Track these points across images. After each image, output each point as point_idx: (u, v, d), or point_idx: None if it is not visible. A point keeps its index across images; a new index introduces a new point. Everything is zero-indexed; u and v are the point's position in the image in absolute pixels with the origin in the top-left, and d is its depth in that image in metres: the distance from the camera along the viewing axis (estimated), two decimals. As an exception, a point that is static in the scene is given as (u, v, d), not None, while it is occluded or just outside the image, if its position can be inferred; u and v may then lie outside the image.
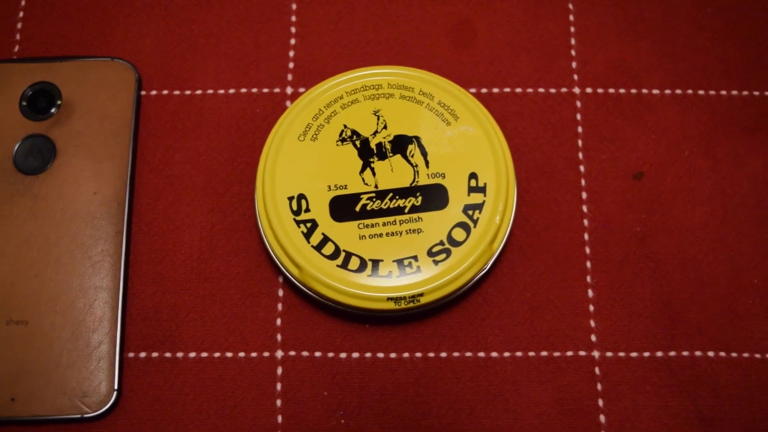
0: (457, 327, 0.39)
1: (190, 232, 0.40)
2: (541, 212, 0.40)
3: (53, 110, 0.41)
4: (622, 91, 0.42)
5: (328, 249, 0.37)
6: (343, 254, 0.37)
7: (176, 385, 0.38)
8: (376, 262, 0.36)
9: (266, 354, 0.38)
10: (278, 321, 0.39)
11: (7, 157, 0.40)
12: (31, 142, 0.40)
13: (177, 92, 0.42)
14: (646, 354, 0.38)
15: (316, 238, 0.37)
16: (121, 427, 0.37)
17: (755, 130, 0.41)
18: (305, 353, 0.38)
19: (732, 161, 0.41)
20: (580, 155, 0.41)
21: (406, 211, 0.37)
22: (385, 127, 0.39)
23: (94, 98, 0.41)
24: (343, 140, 0.38)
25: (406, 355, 0.38)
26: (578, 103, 0.42)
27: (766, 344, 0.38)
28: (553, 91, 0.42)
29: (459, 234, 0.37)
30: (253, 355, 0.38)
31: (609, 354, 0.38)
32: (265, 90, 0.42)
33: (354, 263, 0.36)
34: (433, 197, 0.37)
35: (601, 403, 0.38)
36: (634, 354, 0.38)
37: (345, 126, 0.39)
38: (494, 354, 0.38)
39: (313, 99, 0.39)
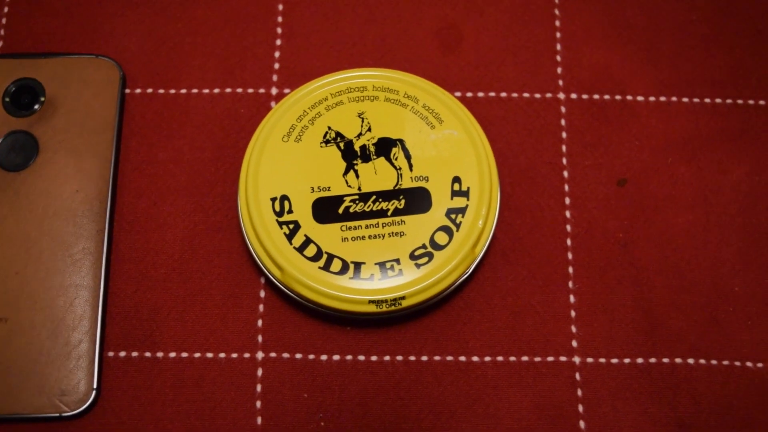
0: (438, 331, 0.39)
1: (173, 231, 0.40)
2: (524, 217, 0.40)
3: (36, 107, 0.41)
4: (606, 97, 0.42)
5: (311, 251, 0.37)
6: (325, 256, 0.37)
7: (156, 385, 0.38)
8: (358, 265, 0.36)
9: (247, 355, 0.38)
10: (259, 322, 0.39)
11: (-12, 154, 0.40)
12: (13, 138, 0.40)
13: (161, 91, 0.42)
14: (627, 360, 0.38)
15: (298, 239, 0.37)
16: (99, 427, 0.37)
17: (738, 138, 0.42)
18: (286, 355, 0.38)
19: (715, 169, 0.41)
20: (564, 161, 0.41)
21: (389, 213, 0.37)
22: (369, 130, 0.39)
23: (78, 95, 0.41)
24: (327, 142, 0.38)
25: (387, 358, 0.38)
26: (563, 109, 0.42)
27: (747, 352, 0.39)
28: (538, 96, 0.42)
29: (441, 238, 0.37)
30: (234, 356, 0.38)
31: (590, 360, 0.38)
32: (250, 90, 0.42)
33: (336, 265, 0.36)
34: (417, 200, 0.37)
35: (581, 408, 0.38)
36: (614, 360, 0.38)
37: (329, 128, 0.39)
38: (475, 358, 0.38)
39: (298, 100, 0.39)
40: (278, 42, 0.43)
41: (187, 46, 0.43)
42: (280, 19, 0.43)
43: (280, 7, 0.43)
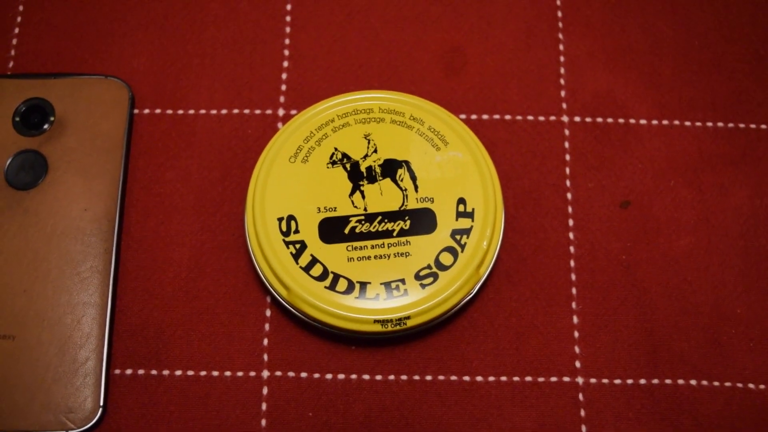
0: (443, 350, 0.39)
1: (180, 250, 0.40)
2: (528, 238, 0.41)
3: (46, 126, 0.41)
4: (609, 120, 0.43)
5: (317, 270, 0.37)
6: (331, 276, 0.37)
7: (162, 403, 0.38)
8: (363, 285, 0.37)
9: (252, 373, 0.39)
10: (265, 341, 0.39)
11: (-2, 172, 0.40)
12: (23, 157, 0.40)
13: (170, 111, 0.43)
14: (630, 381, 0.39)
15: (304, 259, 0.37)
16: (105, 444, 0.38)
17: (740, 161, 0.42)
18: (291, 374, 0.39)
19: (717, 192, 0.42)
20: (568, 183, 0.42)
21: (395, 234, 0.38)
22: (375, 151, 0.39)
23: (87, 115, 0.41)
24: (333, 163, 0.39)
25: (391, 377, 0.39)
26: (566, 132, 0.43)
27: (748, 374, 0.39)
28: (541, 119, 0.43)
29: (446, 258, 0.37)
30: (240, 374, 0.39)
31: (593, 380, 0.39)
32: (258, 111, 0.43)
33: (342, 285, 0.37)
34: (422, 221, 0.38)
35: (584, 429, 0.38)
36: (617, 381, 0.39)
37: (336, 149, 0.39)
38: (479, 378, 0.39)
39: (305, 121, 0.40)
40: (285, 64, 0.43)
41: (195, 68, 0.43)
42: (287, 41, 0.44)
43: (288, 29, 0.44)
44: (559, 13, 0.45)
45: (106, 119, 0.41)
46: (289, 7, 0.44)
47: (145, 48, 0.44)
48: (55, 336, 0.38)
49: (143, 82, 0.43)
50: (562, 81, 0.43)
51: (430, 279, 0.37)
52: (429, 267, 0.37)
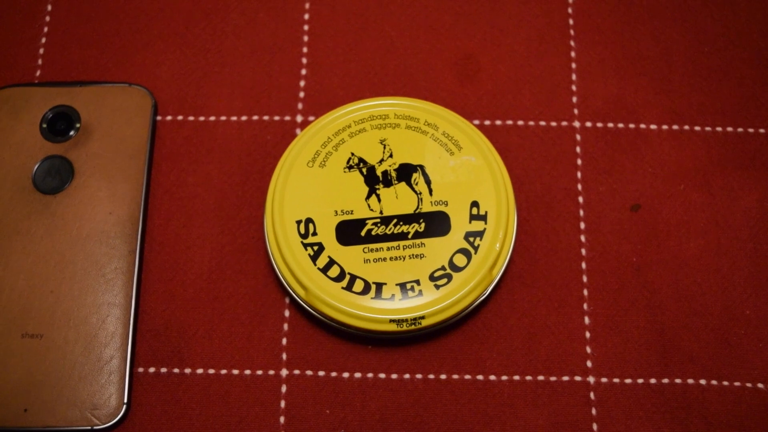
0: (456, 350, 0.40)
1: (201, 252, 0.41)
2: (540, 241, 0.42)
3: (72, 133, 0.42)
4: (620, 125, 0.44)
5: (334, 271, 0.38)
6: (348, 277, 0.38)
7: (183, 400, 0.39)
8: (379, 285, 0.38)
9: (271, 372, 0.40)
10: (284, 340, 0.40)
11: (26, 177, 0.41)
12: (50, 162, 0.42)
13: (191, 118, 0.44)
14: (640, 381, 0.39)
15: (322, 260, 0.38)
16: (128, 441, 0.39)
17: (749, 166, 0.43)
18: (309, 372, 0.40)
19: (726, 196, 0.42)
20: (579, 186, 0.42)
21: (410, 236, 0.39)
22: (390, 156, 0.40)
23: (112, 122, 0.42)
24: (350, 167, 0.40)
25: (406, 376, 0.40)
26: (578, 137, 0.43)
27: (757, 374, 0.39)
28: (553, 124, 0.43)
29: (460, 260, 0.38)
30: (259, 372, 0.40)
31: (604, 380, 0.39)
32: (276, 118, 0.44)
33: (358, 286, 0.38)
34: (436, 224, 0.39)
35: (595, 427, 0.39)
36: (628, 380, 0.39)
37: (352, 154, 0.40)
38: (492, 377, 0.39)
39: (323, 127, 0.41)
40: (303, 71, 0.45)
41: (215, 76, 0.44)
42: (305, 49, 0.45)
43: (305, 38, 0.45)
44: (571, 21, 0.45)
45: (129, 126, 0.43)
46: (306, 16, 0.46)
47: (167, 57, 0.45)
48: (80, 335, 0.39)
49: (166, 90, 0.44)
50: (573, 87, 0.44)
51: (444, 280, 0.38)
52: (443, 268, 0.38)
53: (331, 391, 0.39)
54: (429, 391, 0.39)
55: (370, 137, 0.40)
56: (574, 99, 0.44)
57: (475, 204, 0.39)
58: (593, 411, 0.39)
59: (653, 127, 0.43)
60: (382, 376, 0.39)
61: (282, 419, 0.39)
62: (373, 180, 0.39)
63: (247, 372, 0.40)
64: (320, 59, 0.45)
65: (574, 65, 0.45)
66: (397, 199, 0.39)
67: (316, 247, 0.38)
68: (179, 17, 0.46)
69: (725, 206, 0.42)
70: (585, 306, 0.41)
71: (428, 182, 0.39)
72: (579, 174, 0.43)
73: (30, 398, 0.38)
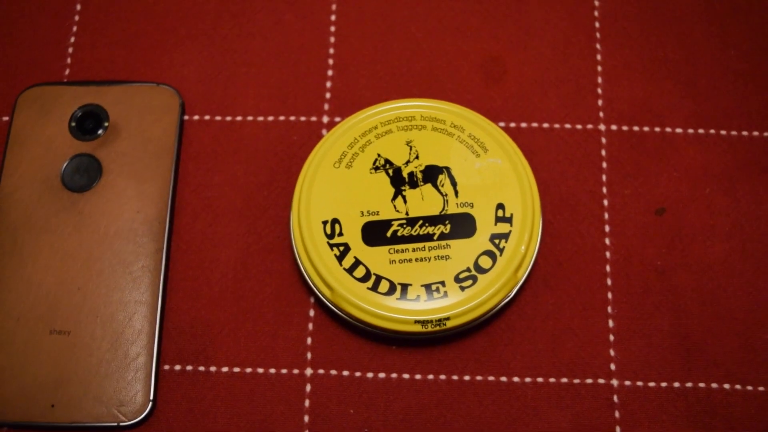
0: (480, 351, 0.40)
1: (227, 251, 0.42)
2: (564, 243, 0.42)
3: (100, 131, 0.43)
4: (646, 129, 0.44)
5: (360, 272, 0.38)
6: (373, 277, 0.38)
7: (209, 398, 0.39)
8: (405, 286, 0.38)
9: (296, 371, 0.40)
10: (308, 340, 0.40)
11: (55, 175, 0.42)
12: (78, 161, 0.42)
13: (218, 118, 0.44)
14: (664, 384, 0.39)
15: (348, 261, 0.38)
16: (154, 437, 0.39)
17: (775, 170, 0.43)
18: (333, 372, 0.40)
19: (751, 200, 0.42)
20: (604, 190, 0.42)
21: (435, 238, 0.39)
22: (416, 157, 0.40)
23: (140, 121, 0.43)
24: (376, 168, 0.40)
25: (430, 376, 0.40)
26: (603, 140, 0.43)
27: (782, 379, 0.40)
28: (579, 127, 0.44)
29: (485, 262, 0.38)
30: (284, 371, 0.40)
31: (627, 383, 0.39)
32: (303, 118, 0.44)
33: (384, 286, 0.38)
34: (462, 226, 0.39)
35: (618, 430, 0.39)
36: (651, 384, 0.39)
37: (379, 155, 0.40)
38: (516, 379, 0.40)
39: (349, 128, 0.41)
40: (330, 72, 0.45)
41: (242, 76, 0.45)
42: (331, 50, 0.45)
43: (332, 39, 0.45)
44: (597, 24, 0.45)
45: (157, 125, 0.43)
46: (333, 17, 0.46)
47: (195, 57, 0.45)
48: (107, 332, 0.39)
49: (193, 90, 0.44)
50: (599, 90, 0.44)
51: (470, 281, 0.38)
52: (468, 270, 0.38)
53: (355, 391, 0.39)
54: (453, 392, 0.39)
55: (396, 139, 0.40)
56: (600, 102, 0.44)
57: (500, 206, 0.39)
58: (616, 414, 0.39)
59: (678, 130, 0.43)
60: (406, 376, 0.40)
61: (306, 418, 0.39)
62: (399, 181, 0.40)
63: (272, 371, 0.40)
64: (347, 60, 0.45)
65: (599, 68, 0.45)
66: (423, 201, 0.39)
67: (342, 248, 0.39)
68: (207, 17, 0.46)
69: (750, 210, 0.42)
70: (609, 309, 0.41)
71: (454, 184, 0.39)
72: (604, 177, 0.43)
73: (57, 394, 0.38)
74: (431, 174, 0.40)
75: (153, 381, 0.39)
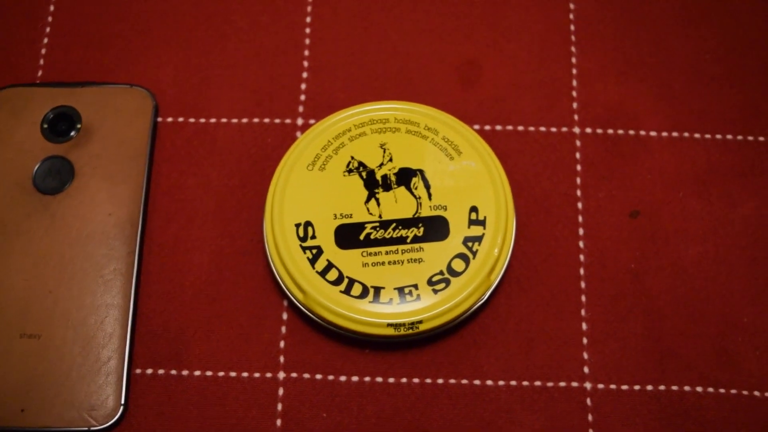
0: (454, 354, 0.40)
1: (200, 254, 0.41)
2: (538, 246, 0.42)
3: (73, 133, 0.42)
4: (620, 132, 0.44)
5: (332, 275, 0.38)
6: (346, 280, 0.38)
7: (181, 402, 0.39)
8: (377, 289, 0.38)
9: (269, 375, 0.40)
10: (281, 343, 0.40)
11: (27, 177, 0.41)
12: (50, 163, 0.42)
13: (192, 120, 0.44)
14: (637, 387, 0.39)
15: (321, 264, 0.38)
16: (125, 442, 0.39)
17: (748, 173, 0.43)
18: (306, 375, 0.40)
19: (725, 203, 0.42)
20: (578, 192, 0.43)
21: (408, 241, 0.39)
22: (390, 160, 0.40)
23: (113, 123, 0.43)
24: (350, 171, 0.40)
25: (404, 380, 0.40)
26: (578, 143, 0.43)
27: (754, 381, 0.39)
28: (554, 130, 0.44)
29: (458, 265, 0.38)
30: (256, 375, 0.40)
31: (601, 386, 0.40)
32: (277, 120, 0.44)
33: (356, 289, 0.38)
34: (435, 228, 0.39)
35: (591, 433, 0.39)
36: (625, 387, 0.39)
37: (352, 157, 0.40)
38: (489, 382, 0.40)
39: (323, 131, 0.41)
40: (304, 75, 0.45)
41: (217, 78, 0.45)
42: (306, 53, 0.45)
43: (307, 41, 0.45)
44: (572, 27, 0.45)
45: (130, 127, 0.43)
46: (308, 19, 0.46)
47: (169, 58, 0.45)
48: (79, 335, 0.39)
49: (167, 92, 0.44)
50: (574, 93, 0.44)
51: (443, 285, 0.38)
52: (441, 273, 0.38)
53: (328, 394, 0.39)
54: (426, 396, 0.39)
55: (370, 141, 0.40)
56: (575, 105, 0.44)
57: (474, 209, 0.39)
58: (590, 417, 0.39)
59: (653, 133, 0.43)
60: (380, 380, 0.40)
61: (279, 422, 0.39)
62: (373, 184, 0.40)
63: (245, 374, 0.40)
64: (321, 63, 0.45)
65: (575, 71, 0.45)
66: (397, 204, 0.39)
67: (314, 251, 0.38)
68: (181, 19, 0.46)
69: (724, 214, 0.42)
70: (583, 312, 0.41)
71: (428, 187, 0.39)
72: (578, 180, 0.43)
73: (27, 398, 0.38)
74: (405, 177, 0.40)
75: (124, 385, 0.39)
